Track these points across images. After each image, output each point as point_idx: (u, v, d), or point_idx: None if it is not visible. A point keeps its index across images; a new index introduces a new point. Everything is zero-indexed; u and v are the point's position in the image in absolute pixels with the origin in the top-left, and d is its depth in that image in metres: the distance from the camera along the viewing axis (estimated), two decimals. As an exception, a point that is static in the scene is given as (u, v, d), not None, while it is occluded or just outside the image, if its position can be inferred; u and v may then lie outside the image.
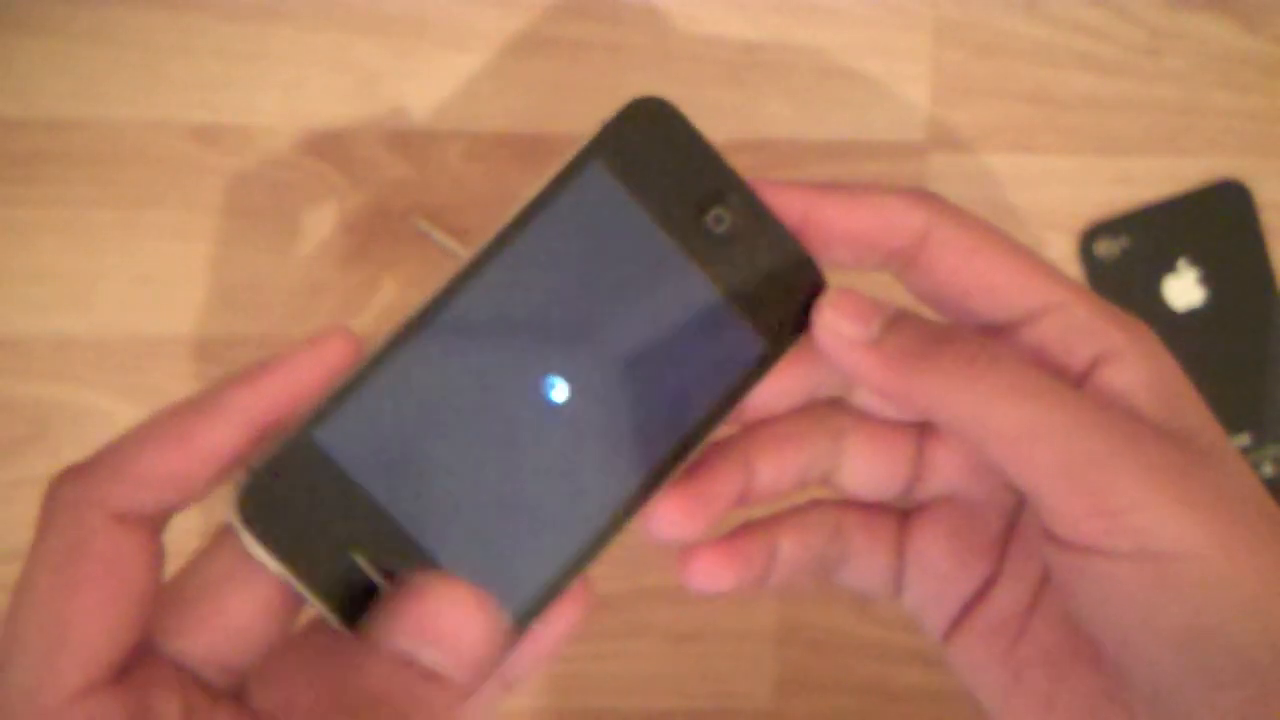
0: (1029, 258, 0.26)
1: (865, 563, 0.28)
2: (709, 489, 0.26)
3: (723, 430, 0.27)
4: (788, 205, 0.26)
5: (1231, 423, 0.44)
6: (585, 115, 0.43)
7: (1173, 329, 0.44)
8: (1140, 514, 0.22)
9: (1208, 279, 0.44)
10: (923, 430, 0.28)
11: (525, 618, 0.25)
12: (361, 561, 0.23)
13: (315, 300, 0.43)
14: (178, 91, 0.42)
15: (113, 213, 0.42)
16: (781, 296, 0.26)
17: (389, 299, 0.43)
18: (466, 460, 0.24)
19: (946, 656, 0.28)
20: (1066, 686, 0.26)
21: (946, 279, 0.26)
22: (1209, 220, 0.44)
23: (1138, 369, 0.24)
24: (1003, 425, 0.23)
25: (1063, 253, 0.44)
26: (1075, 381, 0.25)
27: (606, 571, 0.44)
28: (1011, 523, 0.28)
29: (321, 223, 0.43)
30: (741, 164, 0.43)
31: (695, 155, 0.26)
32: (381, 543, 0.24)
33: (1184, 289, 0.44)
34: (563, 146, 0.42)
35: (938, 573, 0.28)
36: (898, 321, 0.25)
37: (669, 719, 0.45)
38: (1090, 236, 0.44)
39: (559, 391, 0.25)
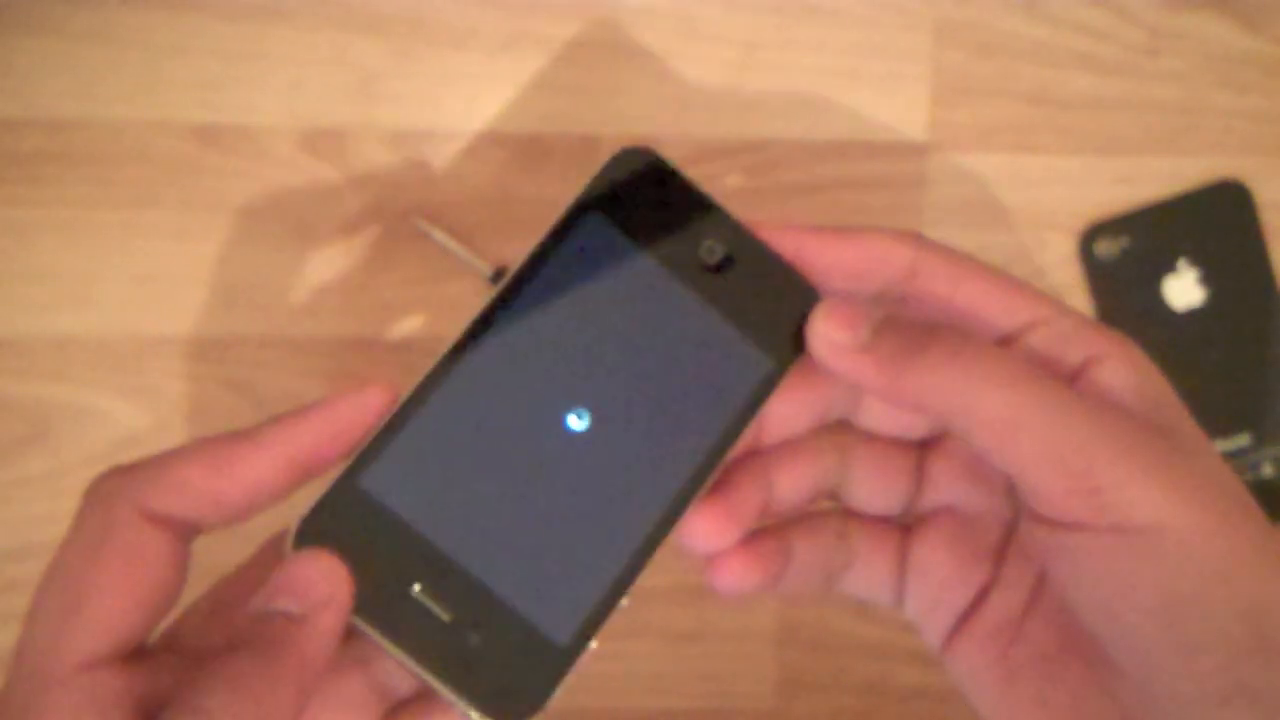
0: (1013, 281, 0.27)
1: (868, 570, 0.29)
2: (737, 503, 0.28)
3: (740, 450, 0.28)
4: (778, 245, 0.28)
5: (1231, 423, 0.44)
6: (585, 115, 0.43)
7: (1173, 329, 0.44)
8: (1119, 491, 0.24)
9: (1208, 279, 0.44)
10: (923, 447, 0.30)
11: (583, 633, 0.26)
12: (418, 594, 0.25)
13: (315, 300, 0.43)
14: (177, 91, 0.42)
15: (113, 213, 0.42)
16: (780, 316, 0.28)
17: (389, 299, 0.43)
18: (503, 492, 0.26)
19: (946, 665, 0.29)
20: (1058, 684, 0.27)
21: (941, 306, 0.27)
22: (1209, 220, 0.44)
23: (1123, 371, 0.26)
24: (988, 412, 0.25)
25: (1063, 253, 0.44)
26: (1066, 381, 0.26)
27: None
28: (1008, 532, 0.29)
29: (321, 223, 0.43)
30: (742, 164, 0.43)
31: (681, 195, 0.28)
32: (433, 574, 0.25)
33: (1184, 289, 0.44)
34: (562, 146, 0.42)
35: (937, 580, 0.29)
36: (886, 324, 0.27)
37: (669, 719, 0.45)
38: (1090, 236, 0.44)
39: (583, 423, 0.27)
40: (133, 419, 0.43)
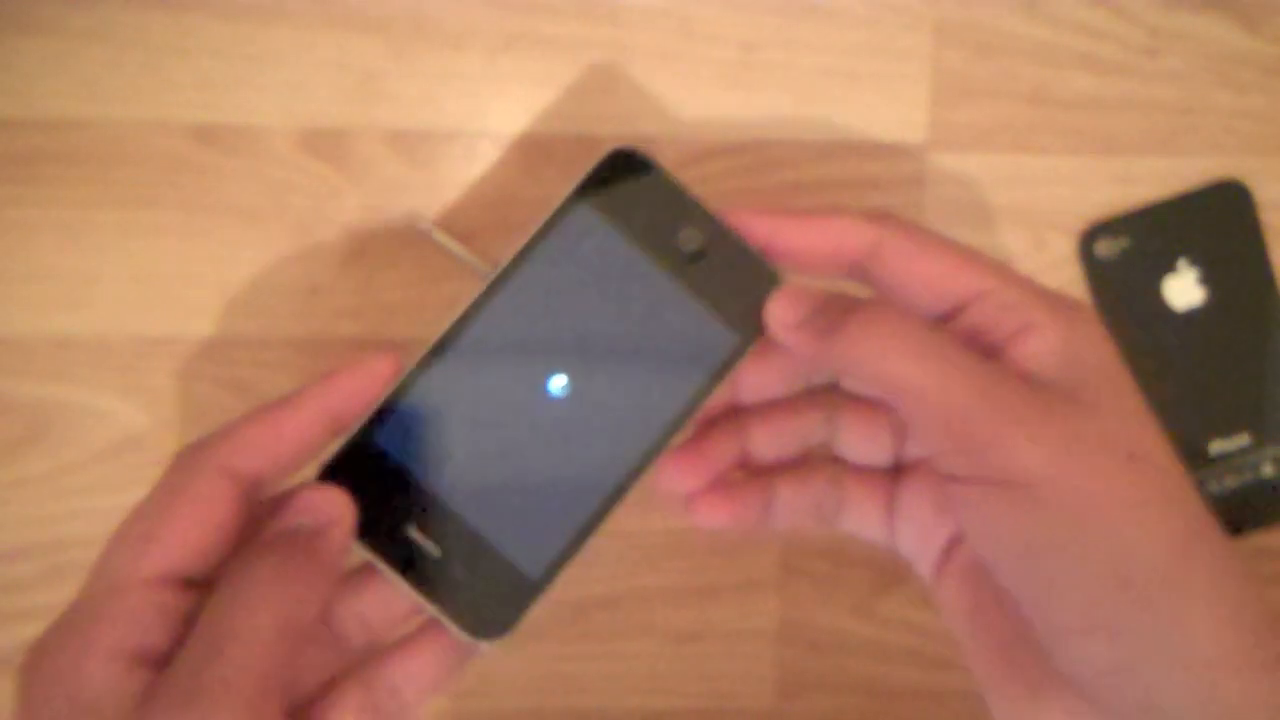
0: (967, 255, 0.30)
1: (861, 513, 0.33)
2: (706, 450, 0.33)
3: (714, 410, 0.33)
4: (753, 230, 0.31)
5: (1231, 423, 0.44)
6: (585, 115, 0.43)
7: (1173, 329, 0.44)
8: (998, 449, 0.26)
9: (1208, 279, 0.44)
10: None
11: (551, 569, 0.31)
12: (414, 531, 0.30)
13: (315, 300, 0.43)
14: (177, 91, 0.42)
15: (113, 213, 0.42)
16: (747, 298, 0.32)
17: (389, 299, 0.43)
18: (489, 448, 0.31)
19: (934, 596, 0.32)
20: (1010, 617, 0.29)
21: (898, 280, 0.30)
22: (1209, 220, 0.44)
23: (1050, 338, 0.28)
24: (894, 379, 0.28)
25: (1063, 253, 0.44)
26: (997, 350, 0.29)
27: (606, 572, 0.44)
28: None
29: (321, 223, 0.43)
30: (742, 164, 0.43)
31: (664, 190, 0.32)
32: (428, 515, 0.30)
33: (1184, 289, 0.44)
34: (562, 146, 0.42)
35: (922, 523, 0.32)
36: (823, 302, 0.30)
37: (669, 719, 0.45)
38: (1090, 236, 0.44)
39: (568, 385, 0.31)
40: (133, 419, 0.43)
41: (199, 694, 0.24)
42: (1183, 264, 0.44)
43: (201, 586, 0.27)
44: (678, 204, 0.32)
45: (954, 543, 0.31)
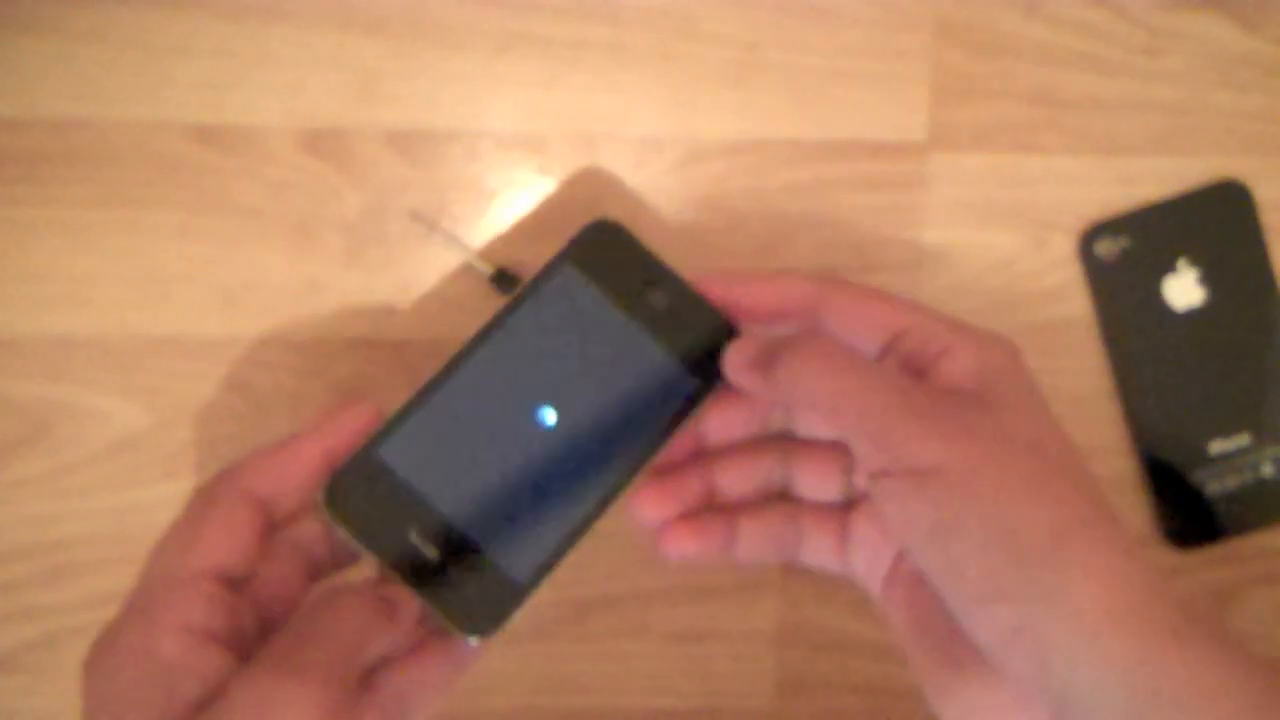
0: (895, 300, 0.34)
1: (817, 544, 0.36)
2: (675, 486, 0.36)
3: (683, 451, 0.37)
4: (714, 291, 0.37)
5: (1231, 423, 0.44)
6: (585, 115, 0.43)
7: (1173, 329, 0.44)
8: (908, 444, 0.30)
9: (1208, 279, 0.44)
10: None
11: (537, 575, 0.34)
12: (413, 537, 0.34)
13: (315, 300, 0.43)
14: (178, 91, 0.42)
15: (113, 213, 0.42)
16: (707, 349, 0.36)
17: (389, 299, 0.43)
18: (486, 466, 0.35)
19: (883, 611, 0.35)
20: (938, 615, 0.32)
21: (839, 323, 0.35)
22: (1209, 220, 0.44)
23: (963, 358, 0.32)
24: (821, 395, 0.32)
25: (1063, 253, 0.44)
26: (923, 373, 0.33)
27: (607, 572, 0.44)
28: None
29: (321, 222, 0.43)
30: (742, 163, 0.43)
31: (637, 256, 0.37)
32: (427, 522, 0.34)
33: (1184, 289, 0.44)
34: (562, 146, 0.42)
35: (871, 545, 0.35)
36: (767, 344, 0.34)
37: (669, 719, 0.45)
38: (1090, 236, 0.44)
39: (551, 419, 0.35)
40: (133, 419, 0.43)
41: (297, 667, 0.29)
42: (1183, 264, 0.44)
43: (238, 585, 0.32)
44: (648, 268, 0.37)
45: (899, 559, 0.34)
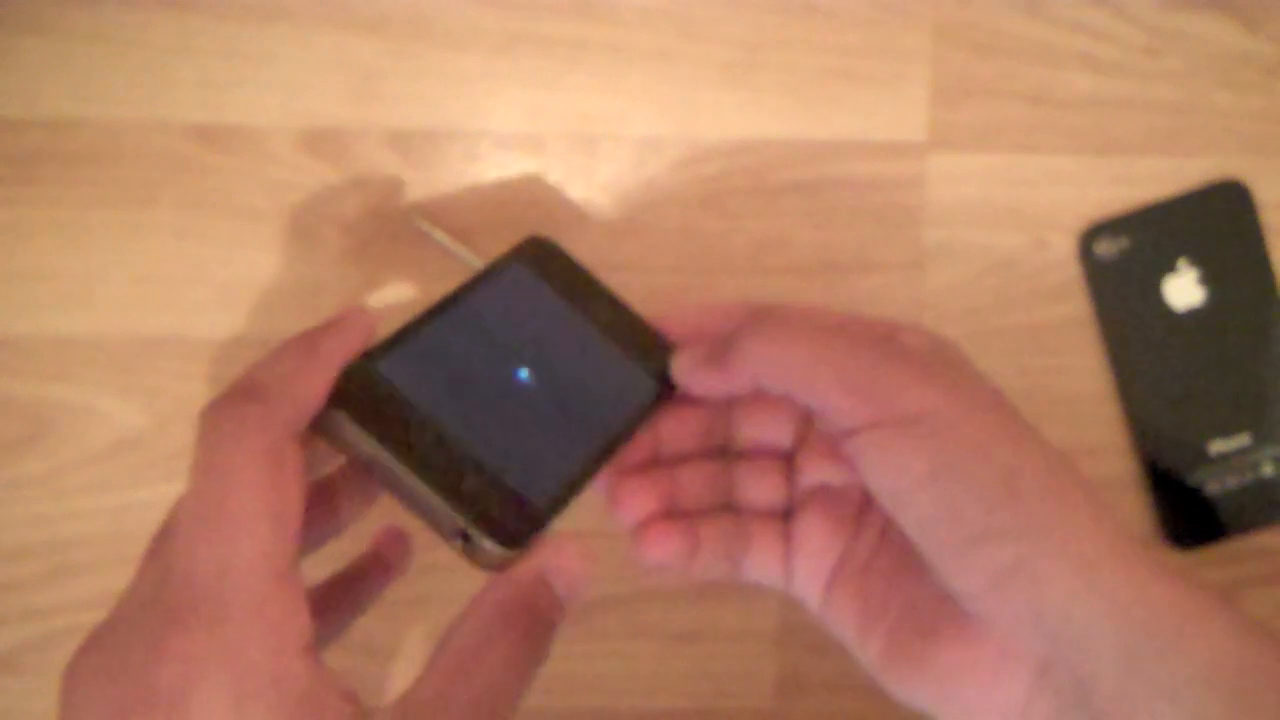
0: (818, 336, 0.33)
1: (762, 554, 0.36)
2: (650, 482, 0.36)
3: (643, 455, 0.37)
4: (663, 322, 0.37)
5: (1231, 423, 0.44)
6: (585, 115, 0.43)
7: (1173, 329, 0.44)
8: (898, 392, 0.30)
9: (1208, 279, 0.44)
10: (791, 450, 0.37)
11: (552, 504, 0.32)
12: (428, 444, 0.31)
13: (315, 300, 0.43)
14: (178, 91, 0.42)
15: (113, 213, 0.42)
16: (652, 360, 0.36)
17: (389, 299, 0.43)
18: (482, 397, 0.33)
19: (825, 620, 0.35)
20: (898, 592, 0.33)
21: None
22: (1209, 220, 0.44)
23: (912, 336, 0.34)
24: (794, 365, 0.32)
25: (1063, 253, 0.44)
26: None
27: (607, 572, 0.44)
28: (865, 496, 0.35)
29: (321, 222, 0.43)
30: (742, 164, 0.43)
31: (576, 271, 0.37)
32: (437, 436, 0.32)
33: (1184, 289, 0.44)
34: (562, 146, 0.42)
35: (816, 546, 0.35)
36: (713, 342, 0.34)
37: (669, 719, 0.45)
38: (1090, 236, 0.44)
39: (529, 380, 0.34)
40: (133, 419, 0.43)
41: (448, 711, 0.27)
42: (1183, 264, 0.44)
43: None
44: (587, 282, 0.37)
45: (844, 559, 0.35)
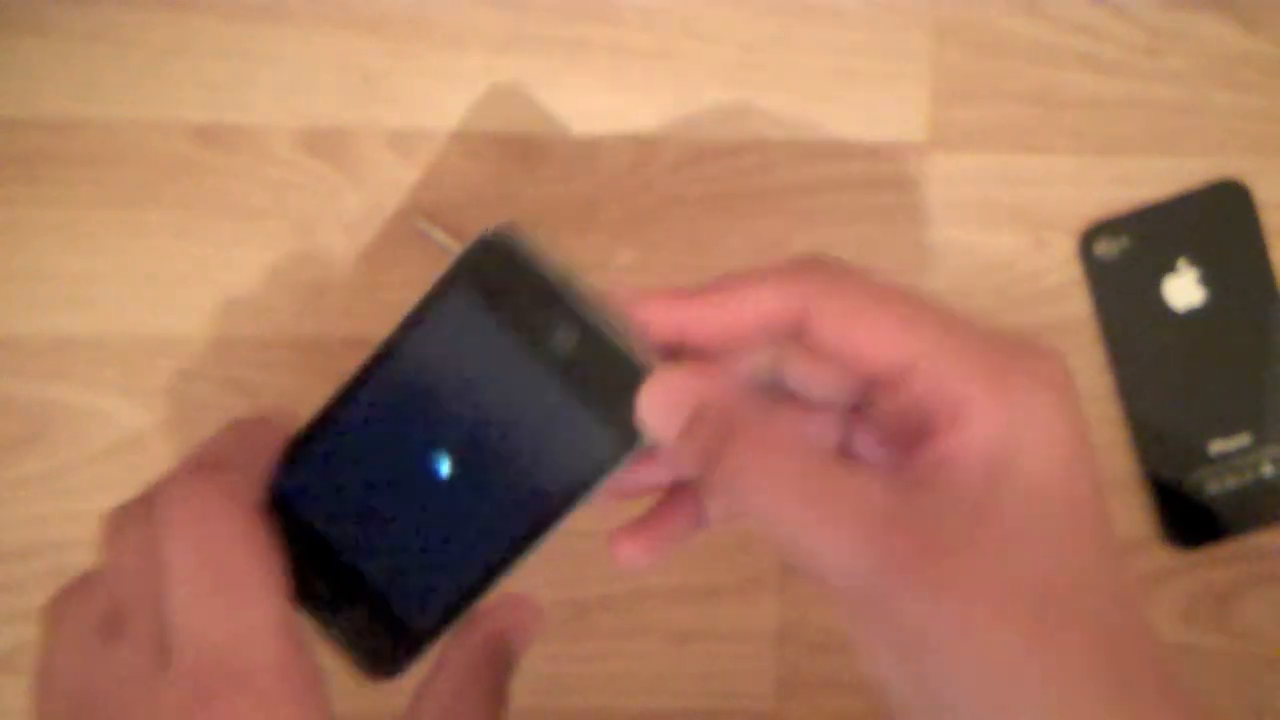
0: (902, 314, 0.26)
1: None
2: (669, 532, 0.31)
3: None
4: (661, 319, 0.28)
5: (1231, 423, 0.44)
6: (584, 115, 0.43)
7: (1173, 329, 0.44)
8: (895, 601, 0.24)
9: (1208, 279, 0.44)
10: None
11: (437, 626, 0.30)
12: (311, 573, 0.30)
13: (315, 300, 0.43)
14: (178, 91, 0.42)
15: (113, 213, 0.42)
16: (624, 401, 0.28)
17: (389, 299, 0.43)
18: (377, 507, 0.30)
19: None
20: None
21: (827, 350, 0.27)
22: (1209, 220, 0.44)
23: (977, 430, 0.25)
24: (781, 532, 0.25)
25: (1063, 253, 0.44)
26: (926, 436, 0.25)
27: (607, 572, 0.44)
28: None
29: (321, 223, 0.43)
30: (742, 164, 0.43)
31: (539, 279, 0.29)
32: (325, 562, 0.30)
33: (1184, 289, 0.44)
34: (562, 146, 0.42)
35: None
36: (699, 409, 0.26)
37: (669, 719, 0.45)
38: (1090, 236, 0.44)
39: (447, 466, 0.30)
40: (133, 419, 0.43)
41: None
42: (1183, 264, 0.44)
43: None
44: (553, 296, 0.28)
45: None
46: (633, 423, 0.28)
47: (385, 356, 0.30)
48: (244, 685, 0.25)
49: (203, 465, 0.28)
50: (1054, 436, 0.25)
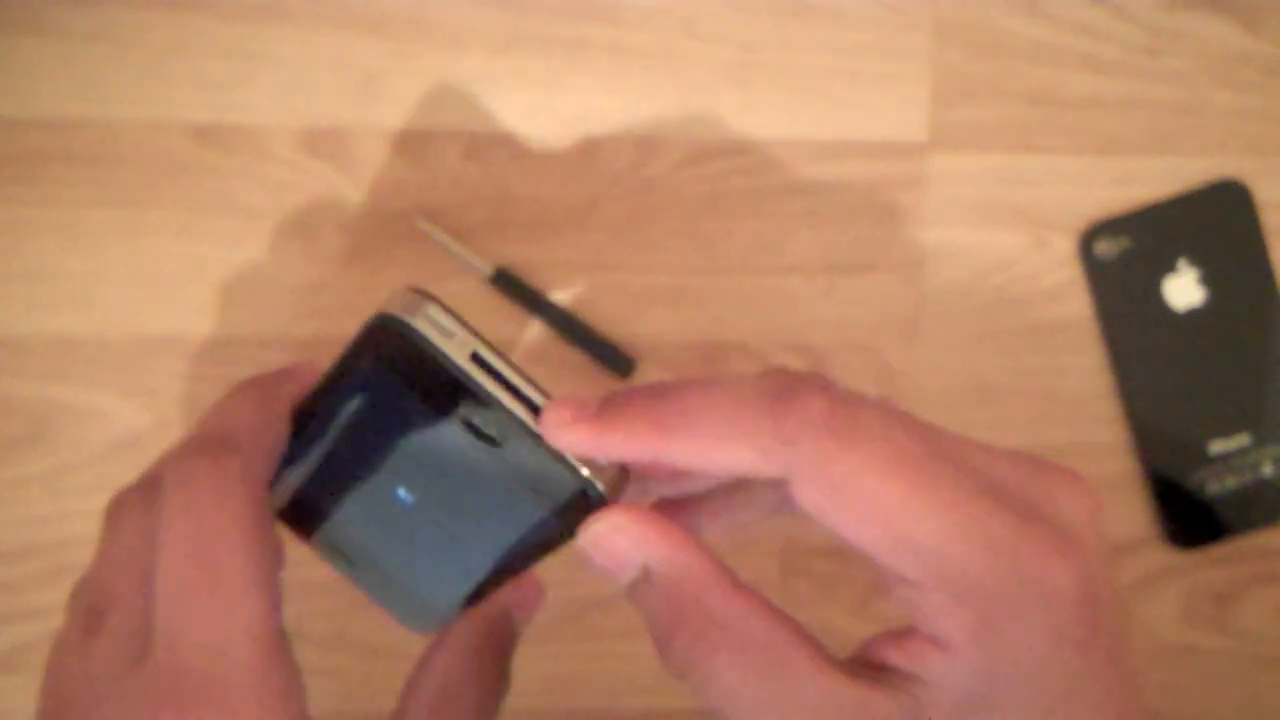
0: (890, 511, 0.24)
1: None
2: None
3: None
4: (626, 445, 0.25)
5: (1231, 423, 0.44)
6: (584, 116, 0.43)
7: (1173, 329, 0.44)
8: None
9: (1208, 279, 0.44)
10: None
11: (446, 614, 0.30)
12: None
13: (315, 300, 0.43)
14: (178, 91, 0.42)
15: (113, 213, 0.42)
16: (551, 492, 0.27)
17: (389, 299, 0.43)
18: (359, 522, 0.29)
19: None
20: None
21: (812, 516, 0.25)
22: (1209, 220, 0.44)
23: (957, 666, 0.23)
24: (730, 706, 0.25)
25: (1063, 253, 0.44)
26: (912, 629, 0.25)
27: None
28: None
29: (321, 222, 0.43)
30: (742, 164, 0.43)
31: (439, 365, 0.26)
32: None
33: (1184, 289, 0.44)
34: (562, 147, 0.41)
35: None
36: (650, 576, 0.28)
37: (669, 719, 0.45)
38: (1090, 236, 0.44)
39: (410, 499, 0.28)
40: (133, 419, 0.43)
41: None
42: (1183, 264, 0.44)
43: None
44: (456, 382, 0.26)
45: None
46: (559, 512, 0.27)
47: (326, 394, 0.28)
48: (214, 696, 0.24)
49: (207, 442, 0.27)
50: (1043, 687, 0.23)
